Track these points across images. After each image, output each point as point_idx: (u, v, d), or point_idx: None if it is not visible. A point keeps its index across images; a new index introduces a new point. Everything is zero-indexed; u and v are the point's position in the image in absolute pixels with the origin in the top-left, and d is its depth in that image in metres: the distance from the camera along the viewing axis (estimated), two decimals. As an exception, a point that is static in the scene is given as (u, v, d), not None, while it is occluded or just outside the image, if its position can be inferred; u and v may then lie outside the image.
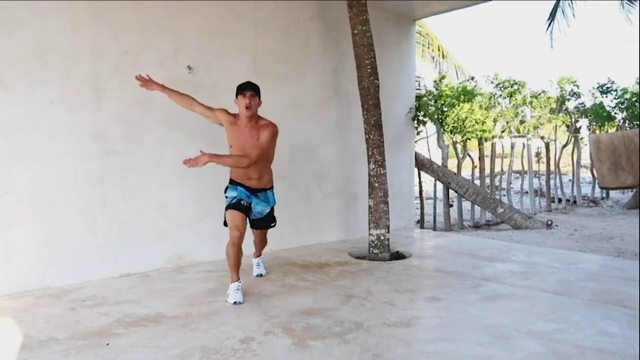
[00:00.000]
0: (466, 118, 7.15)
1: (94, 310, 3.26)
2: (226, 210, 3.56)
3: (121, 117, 4.09)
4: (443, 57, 11.94)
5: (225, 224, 3.58)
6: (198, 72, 4.49)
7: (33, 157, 3.69)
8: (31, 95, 3.67)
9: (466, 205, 7.97)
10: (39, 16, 3.68)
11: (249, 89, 3.52)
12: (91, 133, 3.95)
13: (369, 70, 4.75)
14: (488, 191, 8.12)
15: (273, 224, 3.87)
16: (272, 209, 3.81)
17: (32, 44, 3.66)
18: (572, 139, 9.57)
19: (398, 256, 4.84)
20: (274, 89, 4.83)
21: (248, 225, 3.69)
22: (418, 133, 7.32)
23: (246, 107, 3.48)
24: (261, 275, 4.08)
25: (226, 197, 3.63)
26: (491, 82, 8.53)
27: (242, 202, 3.56)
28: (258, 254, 4.15)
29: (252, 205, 3.65)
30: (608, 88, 9.12)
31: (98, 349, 2.65)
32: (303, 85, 5.29)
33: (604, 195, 10.47)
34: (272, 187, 3.79)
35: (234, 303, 3.38)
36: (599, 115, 9.00)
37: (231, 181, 3.69)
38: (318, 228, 5.46)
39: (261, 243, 4.08)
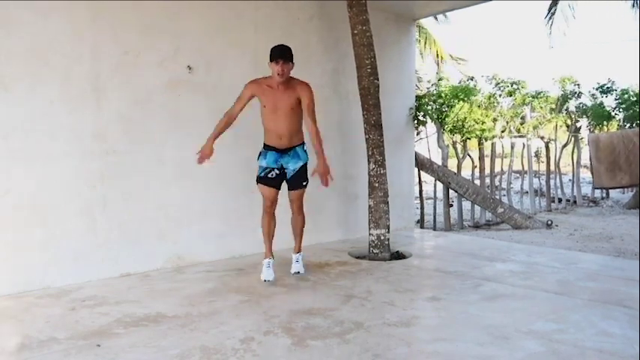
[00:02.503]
0: (465, 118, 7.16)
1: (94, 310, 3.26)
2: (257, 181, 3.84)
3: (121, 117, 4.09)
4: (440, 58, 11.98)
5: (258, 180, 3.84)
6: (198, 72, 4.49)
7: (33, 157, 3.69)
8: (31, 95, 3.67)
9: (466, 205, 7.97)
10: (39, 16, 3.68)
11: (281, 57, 3.57)
12: (91, 133, 3.95)
13: (369, 70, 4.75)
14: (488, 191, 8.12)
15: (305, 182, 3.88)
16: (304, 165, 3.87)
17: (32, 44, 3.66)
18: (572, 138, 9.57)
19: (398, 256, 4.84)
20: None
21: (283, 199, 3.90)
22: (418, 133, 7.32)
23: (279, 74, 3.57)
24: (298, 273, 3.99)
25: (259, 166, 3.84)
26: (490, 82, 8.53)
27: (270, 174, 3.79)
28: (297, 248, 4.07)
29: (283, 165, 3.81)
30: (608, 88, 9.13)
31: (99, 349, 2.65)
32: (303, 85, 5.27)
33: (604, 195, 10.47)
34: (302, 143, 3.89)
35: (265, 280, 3.77)
36: (599, 115, 9.01)
37: (264, 145, 3.84)
38: (318, 228, 5.45)
39: (298, 217, 3.97)
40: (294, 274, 3.98)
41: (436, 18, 11.57)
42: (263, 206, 3.89)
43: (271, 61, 3.61)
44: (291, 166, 3.83)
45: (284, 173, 3.85)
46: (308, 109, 3.75)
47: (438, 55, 12.12)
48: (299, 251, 4.06)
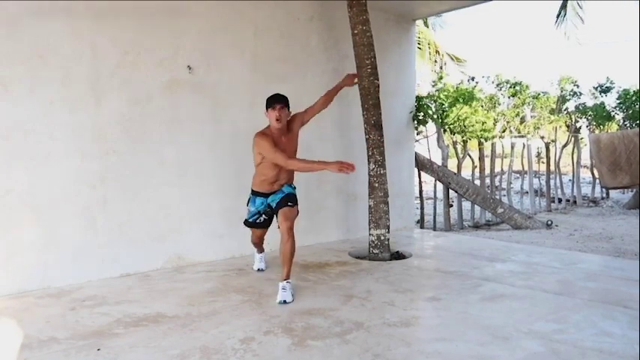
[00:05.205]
0: (466, 118, 7.16)
1: (94, 310, 3.26)
2: (245, 224, 4.01)
3: (121, 117, 4.09)
4: (439, 54, 11.95)
5: (246, 224, 4.02)
6: (198, 72, 4.49)
7: (33, 157, 3.69)
8: (31, 95, 3.67)
9: (466, 205, 7.97)
10: (39, 16, 3.68)
11: (278, 102, 3.61)
12: (91, 133, 3.95)
13: (369, 70, 4.75)
14: (488, 191, 8.12)
15: (291, 203, 3.69)
16: (288, 194, 3.74)
17: (32, 44, 3.66)
18: (572, 139, 9.58)
19: (398, 256, 4.84)
20: (274, 89, 4.81)
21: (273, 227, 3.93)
22: (418, 134, 7.32)
23: (276, 119, 3.59)
24: (284, 302, 3.38)
25: (248, 210, 3.94)
26: (492, 82, 8.54)
27: (260, 219, 3.92)
28: (285, 275, 3.55)
29: (270, 204, 3.81)
30: (607, 88, 9.13)
31: (99, 348, 2.65)
32: (303, 85, 5.27)
33: (604, 195, 10.47)
34: (290, 183, 3.85)
35: (258, 270, 4.24)
36: (600, 115, 9.01)
37: (252, 192, 3.87)
38: (318, 228, 5.46)
39: (287, 241, 3.54)
40: (279, 304, 3.38)
41: (426, 24, 11.52)
42: (252, 241, 4.20)
43: (268, 108, 3.62)
44: (276, 197, 3.74)
45: (271, 212, 3.84)
46: (309, 111, 3.99)
47: (437, 52, 12.07)
48: (286, 278, 3.54)
